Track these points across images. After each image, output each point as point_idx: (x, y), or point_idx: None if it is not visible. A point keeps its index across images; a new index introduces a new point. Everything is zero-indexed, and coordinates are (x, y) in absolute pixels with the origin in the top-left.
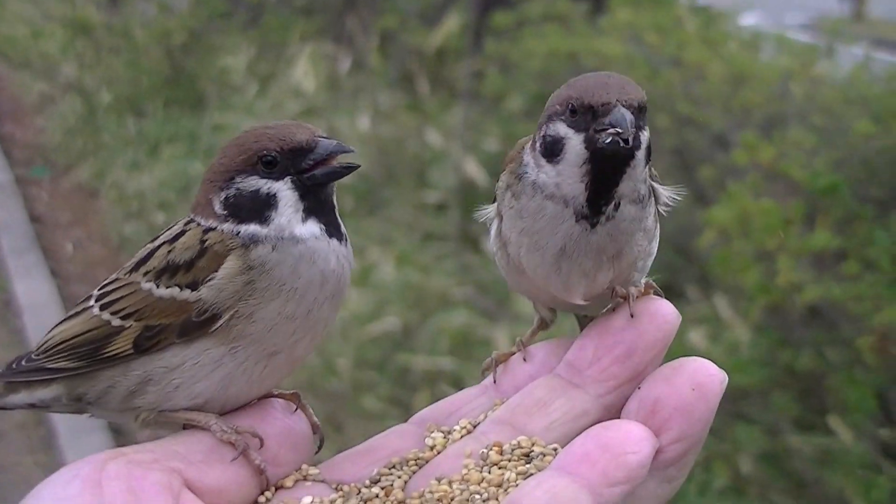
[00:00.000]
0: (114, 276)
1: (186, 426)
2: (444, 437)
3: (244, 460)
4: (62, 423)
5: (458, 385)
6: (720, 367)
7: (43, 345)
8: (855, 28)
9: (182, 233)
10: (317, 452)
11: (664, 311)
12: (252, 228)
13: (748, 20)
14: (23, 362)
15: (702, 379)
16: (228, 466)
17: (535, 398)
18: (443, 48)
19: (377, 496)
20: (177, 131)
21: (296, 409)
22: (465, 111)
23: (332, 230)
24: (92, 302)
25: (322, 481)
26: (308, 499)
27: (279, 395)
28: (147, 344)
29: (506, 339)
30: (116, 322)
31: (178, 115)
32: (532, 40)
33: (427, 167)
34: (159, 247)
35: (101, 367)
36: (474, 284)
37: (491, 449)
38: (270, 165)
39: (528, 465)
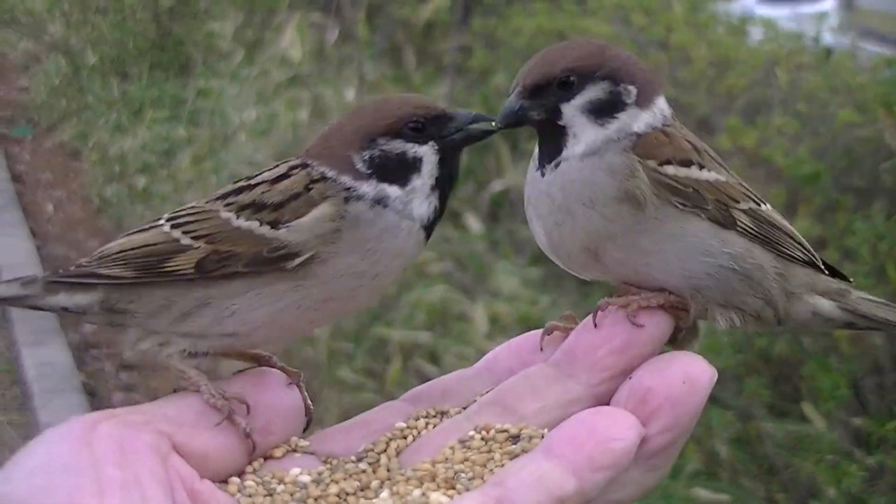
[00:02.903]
0: (191, 204)
1: (177, 388)
2: (436, 416)
3: (231, 426)
4: (36, 383)
5: (435, 359)
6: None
7: (98, 253)
8: (845, 17)
9: (286, 175)
10: (304, 430)
11: (663, 326)
12: (391, 190)
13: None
14: (71, 268)
15: (693, 373)
16: (216, 432)
17: (527, 383)
18: (431, 21)
19: (364, 471)
20: (161, 95)
21: (291, 384)
22: (451, 85)
23: (434, 213)
24: (162, 221)
25: (311, 453)
26: (296, 470)
27: (282, 368)
28: (211, 266)
29: (484, 315)
30: (186, 241)
31: (163, 79)
32: (519, 17)
33: None
34: (255, 185)
35: (155, 280)
36: (453, 259)
37: (479, 430)
38: (417, 131)
39: (514, 447)
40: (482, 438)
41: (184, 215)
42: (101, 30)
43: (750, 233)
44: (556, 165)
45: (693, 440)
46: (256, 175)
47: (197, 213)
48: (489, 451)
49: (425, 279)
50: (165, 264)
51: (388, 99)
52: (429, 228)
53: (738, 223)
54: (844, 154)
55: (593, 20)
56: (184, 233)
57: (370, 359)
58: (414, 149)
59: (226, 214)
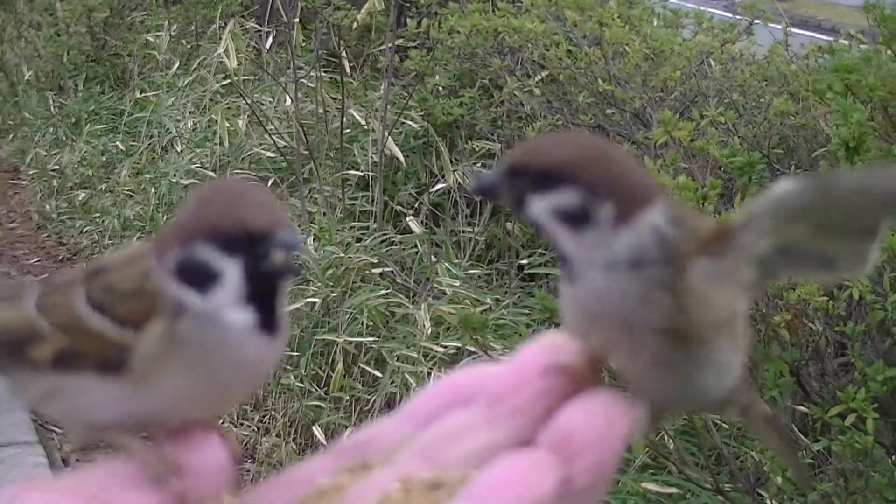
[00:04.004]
0: (59, 277)
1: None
2: (362, 468)
3: (163, 488)
4: None
5: (380, 363)
6: None
7: None
8: (778, 6)
9: (136, 259)
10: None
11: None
12: (191, 297)
13: None
14: None
15: (616, 412)
16: (147, 493)
17: (449, 429)
18: (366, 25)
19: None
20: (98, 108)
21: (217, 439)
22: (388, 89)
23: (267, 320)
24: (32, 300)
25: None
26: None
27: (208, 424)
28: (67, 360)
29: (427, 316)
30: (44, 328)
31: (100, 91)
32: (454, 17)
33: (349, 144)
34: (109, 270)
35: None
36: (396, 262)
37: (402, 480)
38: (227, 243)
39: (438, 493)
40: (404, 489)
41: (51, 294)
42: (36, 45)
43: None
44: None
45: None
46: (121, 252)
47: (60, 292)
48: (413, 501)
49: (368, 283)
50: (29, 353)
51: (219, 198)
52: (271, 333)
53: None
54: (780, 142)
55: (527, 18)
56: (42, 316)
57: (315, 365)
58: (219, 260)
59: (80, 304)
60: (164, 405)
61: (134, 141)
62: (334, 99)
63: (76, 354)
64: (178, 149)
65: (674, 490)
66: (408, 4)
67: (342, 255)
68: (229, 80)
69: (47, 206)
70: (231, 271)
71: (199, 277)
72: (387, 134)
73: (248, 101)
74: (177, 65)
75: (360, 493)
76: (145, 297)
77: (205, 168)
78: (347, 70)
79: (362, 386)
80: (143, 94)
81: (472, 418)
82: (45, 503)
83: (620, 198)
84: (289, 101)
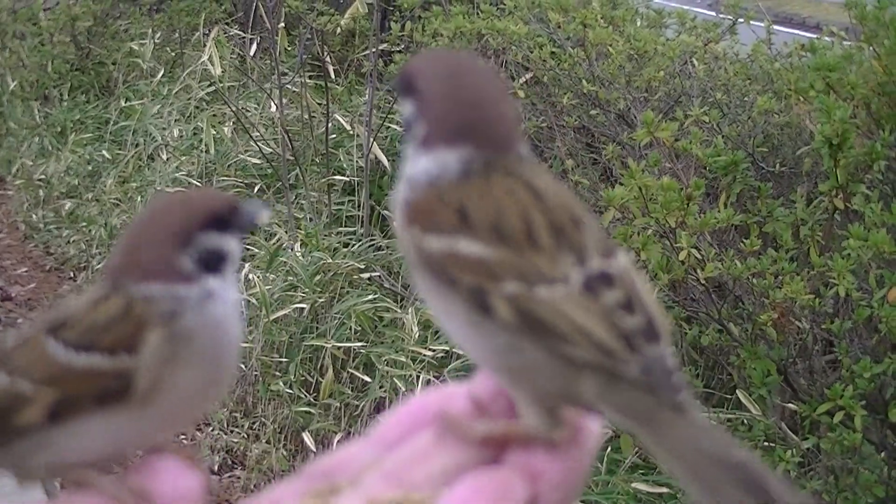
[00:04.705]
0: (11, 341)
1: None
2: (330, 492)
3: None
4: None
5: (369, 368)
6: None
7: None
8: (761, 4)
9: (103, 299)
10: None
11: None
12: (215, 283)
13: None
14: None
15: (583, 429)
16: None
17: (415, 451)
18: (350, 30)
19: None
20: (83, 117)
21: (184, 466)
22: (372, 93)
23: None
24: None
25: None
26: None
27: (176, 449)
28: (63, 411)
29: (415, 321)
30: (27, 390)
31: (85, 100)
32: (437, 20)
33: (334, 150)
34: (75, 319)
35: None
36: (383, 267)
37: (370, 501)
38: (224, 224)
39: None
40: None
41: (12, 355)
42: (20, 54)
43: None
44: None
45: (629, 433)
46: (73, 304)
47: (26, 350)
48: None
49: (356, 288)
50: (13, 421)
51: (188, 197)
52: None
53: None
54: (764, 141)
55: (510, 19)
56: (18, 378)
57: (304, 371)
58: (226, 241)
59: (60, 352)
60: (173, 411)
61: (120, 149)
62: (319, 104)
63: (71, 401)
64: (164, 157)
65: (664, 490)
66: (391, 8)
67: (329, 260)
68: (214, 88)
69: (34, 216)
70: (233, 248)
71: (216, 262)
72: (372, 139)
73: (234, 108)
74: (161, 73)
75: None
76: (130, 320)
77: (191, 176)
78: (332, 75)
79: (351, 391)
80: (128, 103)
81: (437, 440)
82: None
83: (437, 125)
84: (274, 108)
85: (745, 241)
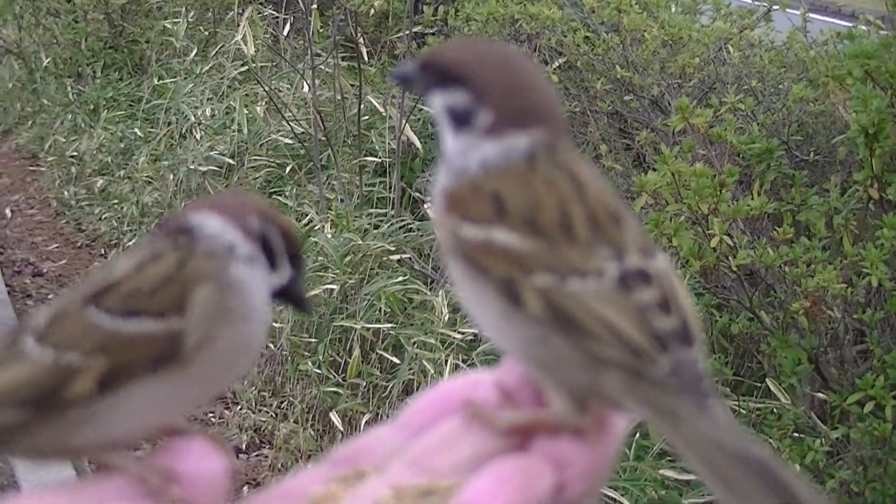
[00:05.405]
0: (50, 311)
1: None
2: (355, 477)
3: (160, 500)
4: None
5: (398, 350)
6: None
7: None
8: None
9: (153, 259)
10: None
11: None
12: (261, 260)
13: None
14: None
15: (609, 418)
16: None
17: (441, 437)
18: (384, 12)
19: None
20: (116, 95)
21: (210, 447)
22: None
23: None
24: (28, 344)
25: None
26: None
27: (203, 433)
28: (112, 381)
29: (444, 303)
30: (74, 362)
31: (118, 78)
32: (471, 4)
33: (366, 131)
34: (120, 282)
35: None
36: (413, 249)
37: (393, 488)
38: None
39: (429, 501)
40: (396, 497)
41: (52, 330)
42: (54, 31)
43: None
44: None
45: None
46: (116, 266)
47: (68, 322)
48: None
49: (386, 270)
50: (63, 394)
51: (249, 196)
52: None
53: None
54: (798, 129)
55: (544, 4)
56: (64, 351)
57: (333, 351)
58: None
59: (106, 320)
60: (217, 371)
61: (152, 128)
62: (352, 86)
63: (121, 369)
64: (197, 136)
65: (691, 477)
66: None
67: (360, 241)
68: (247, 67)
69: (66, 193)
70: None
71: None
72: (404, 121)
73: (266, 88)
74: (194, 51)
75: (352, 501)
76: (178, 282)
77: (223, 155)
78: (365, 57)
79: (380, 372)
80: (161, 81)
81: (461, 426)
82: None
83: (501, 111)
84: (306, 88)
85: (777, 229)
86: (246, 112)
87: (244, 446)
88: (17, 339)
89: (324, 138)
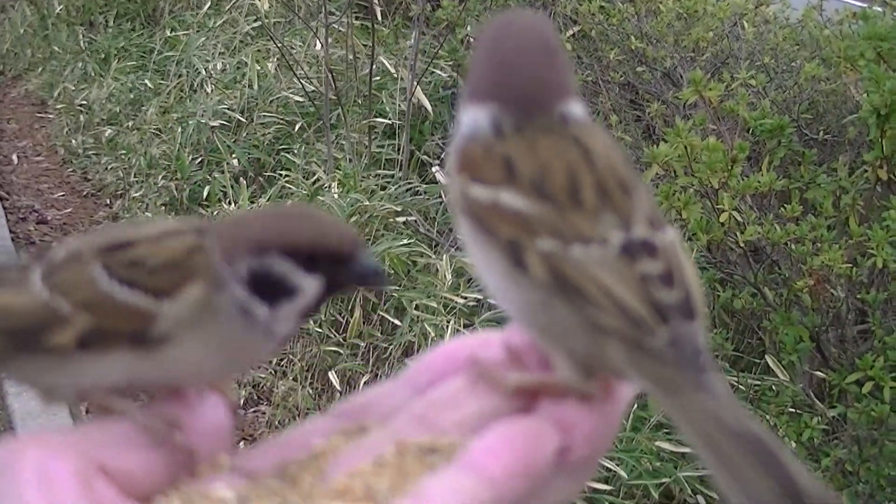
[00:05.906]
0: (65, 248)
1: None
2: (358, 431)
3: (161, 446)
4: None
5: (399, 312)
6: None
7: None
8: None
9: (172, 234)
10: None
11: None
12: (259, 308)
13: None
14: None
15: (615, 383)
16: (143, 452)
17: (446, 395)
18: None
19: (285, 487)
20: (128, 45)
21: (214, 397)
22: (417, 37)
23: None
24: (35, 277)
25: (236, 471)
26: (220, 487)
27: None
28: (92, 342)
29: (448, 267)
30: (63, 308)
31: (130, 28)
32: None
33: (377, 92)
34: (137, 243)
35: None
36: (419, 212)
37: (397, 444)
38: (312, 261)
39: (432, 458)
40: (399, 453)
41: (59, 270)
42: None
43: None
44: None
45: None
46: (143, 228)
47: (73, 268)
48: (407, 465)
49: (391, 231)
50: (45, 340)
51: (311, 216)
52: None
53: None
54: (809, 107)
55: None
56: (59, 296)
57: (334, 311)
58: (301, 278)
59: (103, 279)
60: (187, 372)
61: (162, 79)
62: (364, 45)
63: (103, 332)
64: (207, 90)
65: (687, 450)
66: None
67: (366, 202)
68: (260, 23)
69: (73, 141)
70: (305, 288)
71: (272, 289)
72: (415, 83)
73: (279, 45)
74: (208, 5)
75: (353, 455)
76: (180, 269)
77: (232, 110)
78: (378, 17)
79: (381, 334)
80: (173, 33)
81: (466, 384)
82: (41, 461)
83: (472, 85)
84: (319, 46)
85: (785, 206)
86: (257, 68)
87: (242, 402)
88: (31, 267)
89: (334, 97)
